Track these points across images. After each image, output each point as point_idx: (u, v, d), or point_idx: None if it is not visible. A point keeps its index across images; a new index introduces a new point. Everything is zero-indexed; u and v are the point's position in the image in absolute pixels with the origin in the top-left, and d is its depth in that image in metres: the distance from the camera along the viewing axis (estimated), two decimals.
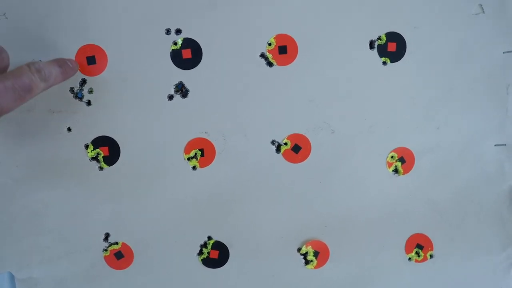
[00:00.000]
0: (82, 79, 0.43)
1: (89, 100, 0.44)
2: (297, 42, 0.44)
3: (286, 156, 0.45)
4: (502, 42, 0.45)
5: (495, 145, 0.47)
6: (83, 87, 0.43)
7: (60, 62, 0.40)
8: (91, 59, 0.43)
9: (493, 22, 0.45)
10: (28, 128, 0.43)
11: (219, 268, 0.47)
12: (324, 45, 0.44)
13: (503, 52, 0.45)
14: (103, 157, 0.44)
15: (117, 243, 0.46)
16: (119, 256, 0.46)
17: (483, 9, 0.44)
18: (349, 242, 0.47)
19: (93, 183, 0.45)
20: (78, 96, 0.43)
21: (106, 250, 0.46)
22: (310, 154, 0.46)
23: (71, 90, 0.43)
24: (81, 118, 0.44)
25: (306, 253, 0.47)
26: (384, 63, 0.45)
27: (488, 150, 0.47)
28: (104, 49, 0.43)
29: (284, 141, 0.45)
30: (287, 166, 0.46)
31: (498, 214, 0.47)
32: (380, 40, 0.44)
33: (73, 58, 0.42)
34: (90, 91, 0.43)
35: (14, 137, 0.43)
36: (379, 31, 0.44)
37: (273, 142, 0.45)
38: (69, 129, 0.44)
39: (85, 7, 0.42)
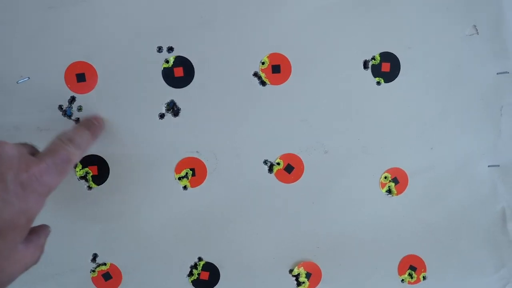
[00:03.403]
0: (71, 96, 0.42)
1: (78, 118, 0.43)
2: (290, 61, 0.43)
3: (278, 176, 0.45)
4: (496, 63, 0.45)
5: (488, 166, 0.46)
6: (72, 105, 0.42)
7: (88, 124, 0.40)
8: (81, 76, 0.42)
9: (487, 43, 0.44)
10: None
11: None
12: (318, 64, 0.43)
13: (497, 73, 0.45)
14: (91, 176, 0.43)
15: (105, 264, 0.45)
16: (107, 277, 0.45)
17: (477, 30, 0.44)
18: (342, 263, 0.46)
19: (82, 203, 0.44)
20: (67, 114, 0.43)
21: (93, 271, 0.45)
22: (303, 174, 0.45)
23: (60, 107, 0.42)
24: None
25: (298, 274, 0.46)
26: (378, 83, 0.44)
27: (481, 171, 0.46)
28: (94, 66, 0.42)
29: (276, 161, 0.45)
30: (279, 186, 0.45)
31: (491, 235, 0.47)
32: (374, 60, 0.44)
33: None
34: (79, 109, 0.43)
35: None
36: (373, 51, 0.44)
37: (265, 162, 0.45)
38: None
39: (75, 24, 0.41)
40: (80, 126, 0.39)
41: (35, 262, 0.30)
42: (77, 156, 0.34)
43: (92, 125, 0.40)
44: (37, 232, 0.31)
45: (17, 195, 0.27)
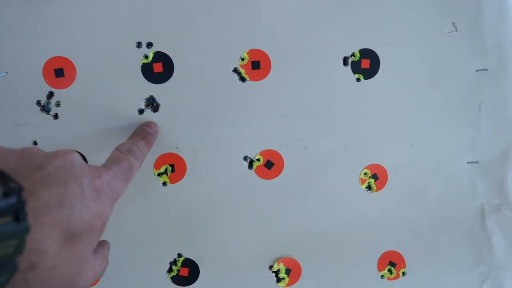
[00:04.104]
0: (49, 91, 0.42)
1: (57, 114, 0.42)
2: (270, 57, 0.43)
3: (258, 172, 0.45)
4: (475, 60, 0.45)
5: (467, 163, 0.47)
6: (51, 100, 0.42)
7: (142, 134, 0.40)
8: (59, 71, 0.42)
9: (466, 40, 0.45)
10: None
11: (189, 286, 0.46)
12: (298, 60, 0.44)
13: (476, 71, 0.45)
14: None
15: None
16: None
17: (456, 27, 0.44)
18: (322, 259, 0.46)
19: None
20: (45, 109, 0.42)
21: None
22: (283, 170, 0.45)
23: (38, 103, 0.42)
24: (48, 131, 0.43)
25: (278, 270, 0.46)
26: (358, 79, 0.44)
27: (460, 167, 0.47)
28: (72, 61, 0.42)
29: (256, 157, 0.45)
30: (259, 182, 0.45)
31: (470, 231, 0.47)
32: (354, 56, 0.44)
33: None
34: (58, 104, 0.42)
35: None
36: (353, 47, 0.44)
37: (245, 158, 0.45)
38: (35, 143, 0.43)
39: (53, 19, 0.41)
40: (135, 137, 0.40)
41: (102, 273, 0.31)
42: (137, 166, 0.35)
43: (146, 134, 0.41)
44: (101, 244, 0.31)
45: (93, 199, 0.27)
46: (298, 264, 0.46)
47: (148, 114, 0.43)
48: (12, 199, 0.21)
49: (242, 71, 0.43)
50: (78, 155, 0.29)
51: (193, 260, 0.45)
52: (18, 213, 0.21)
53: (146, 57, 0.42)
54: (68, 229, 0.25)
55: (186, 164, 0.44)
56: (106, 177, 0.30)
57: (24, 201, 0.22)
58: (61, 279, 0.25)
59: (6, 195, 0.21)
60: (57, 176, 0.26)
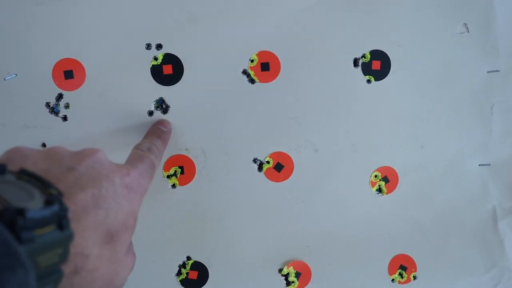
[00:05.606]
0: (58, 93, 0.42)
1: (66, 116, 0.42)
2: (279, 59, 0.43)
3: (268, 175, 0.45)
4: (486, 61, 0.45)
5: (479, 165, 0.46)
6: (60, 102, 0.42)
7: (157, 132, 0.40)
8: (69, 73, 0.42)
9: (478, 41, 0.44)
10: (1, 143, 0.42)
11: None
12: (307, 62, 0.43)
13: (488, 72, 0.45)
14: None
15: None
16: None
17: (468, 28, 0.44)
18: (332, 263, 0.46)
19: None
20: (54, 111, 0.42)
21: None
22: (293, 172, 0.45)
23: (47, 104, 0.42)
24: (56, 133, 0.42)
25: (288, 274, 0.46)
26: (368, 81, 0.44)
27: (472, 169, 0.46)
28: (82, 63, 0.42)
29: (266, 160, 0.44)
30: (269, 185, 0.45)
31: (481, 234, 0.47)
32: (365, 58, 0.44)
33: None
34: (67, 106, 0.42)
35: None
36: (364, 49, 0.44)
37: (255, 160, 0.44)
38: (44, 145, 0.42)
39: (63, 20, 0.41)
40: (151, 136, 0.40)
41: (132, 268, 0.31)
42: (158, 165, 0.36)
43: (161, 133, 0.41)
44: None
45: (125, 197, 0.27)
46: (308, 268, 0.46)
47: (158, 116, 0.43)
48: (55, 207, 0.20)
49: (252, 72, 0.43)
50: (104, 153, 0.29)
51: (202, 263, 0.45)
52: (61, 221, 0.21)
53: (156, 59, 0.42)
54: (107, 230, 0.25)
55: (196, 166, 0.44)
56: (134, 174, 0.30)
57: (66, 208, 0.21)
58: (102, 280, 0.25)
59: (47, 202, 0.20)
60: (89, 177, 0.25)
